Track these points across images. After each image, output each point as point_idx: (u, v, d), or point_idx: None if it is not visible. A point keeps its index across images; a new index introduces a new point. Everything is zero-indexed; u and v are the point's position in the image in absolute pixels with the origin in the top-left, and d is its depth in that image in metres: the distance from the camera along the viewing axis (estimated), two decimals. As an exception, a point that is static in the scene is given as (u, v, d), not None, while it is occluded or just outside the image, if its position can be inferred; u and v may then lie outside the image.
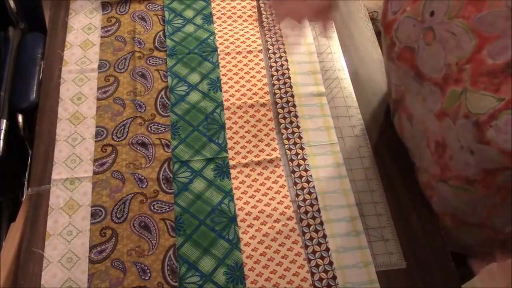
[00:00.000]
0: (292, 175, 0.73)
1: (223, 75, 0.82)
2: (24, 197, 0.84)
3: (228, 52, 0.85)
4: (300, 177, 0.73)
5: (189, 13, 0.89)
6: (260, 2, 0.92)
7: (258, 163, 0.74)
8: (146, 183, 0.71)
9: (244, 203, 0.70)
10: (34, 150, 0.73)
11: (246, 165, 0.74)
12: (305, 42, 0.88)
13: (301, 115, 0.79)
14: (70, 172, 0.71)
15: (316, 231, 0.68)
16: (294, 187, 0.72)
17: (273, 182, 0.72)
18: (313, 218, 0.69)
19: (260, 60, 0.85)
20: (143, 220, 0.68)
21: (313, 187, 0.72)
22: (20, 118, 0.90)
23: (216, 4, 0.91)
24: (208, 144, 0.75)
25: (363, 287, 0.65)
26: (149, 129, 0.75)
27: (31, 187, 0.69)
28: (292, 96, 0.81)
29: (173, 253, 0.65)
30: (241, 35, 0.87)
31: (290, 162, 0.74)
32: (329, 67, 0.86)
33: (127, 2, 0.89)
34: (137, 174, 0.71)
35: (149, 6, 0.89)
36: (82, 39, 0.84)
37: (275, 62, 0.85)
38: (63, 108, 0.77)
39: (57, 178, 0.70)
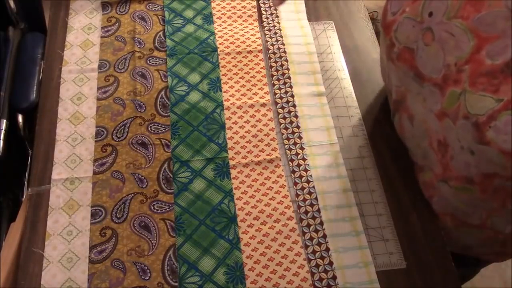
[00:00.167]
0: (292, 175, 0.73)
1: (223, 75, 0.82)
2: (24, 197, 0.84)
3: (228, 52, 0.85)
4: (300, 177, 0.73)
5: (189, 13, 0.89)
6: (260, 2, 0.92)
7: (258, 163, 0.74)
8: (146, 183, 0.71)
9: (244, 203, 0.70)
10: (34, 150, 0.73)
11: (246, 165, 0.74)
12: (305, 42, 0.88)
13: (301, 115, 0.79)
14: (70, 172, 0.71)
15: (316, 231, 0.68)
16: (294, 187, 0.72)
17: (273, 182, 0.72)
18: (313, 218, 0.69)
19: (260, 60, 0.85)
20: (143, 220, 0.68)
21: (313, 187, 0.72)
22: (20, 118, 0.90)
23: (216, 4, 0.91)
24: (208, 144, 0.75)
25: (363, 287, 0.65)
26: (149, 129, 0.75)
27: (31, 187, 0.69)
28: (292, 96, 0.81)
29: (173, 253, 0.65)
30: (241, 35, 0.87)
31: (290, 162, 0.74)
32: (329, 67, 0.86)
33: (127, 2, 0.89)
34: (137, 174, 0.71)
35: (149, 6, 0.89)
36: (82, 39, 0.84)
37: (275, 62, 0.85)
38: (63, 108, 0.77)
39: (57, 178, 0.70)
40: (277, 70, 0.84)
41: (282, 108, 0.80)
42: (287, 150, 0.75)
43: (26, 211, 0.68)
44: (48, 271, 0.63)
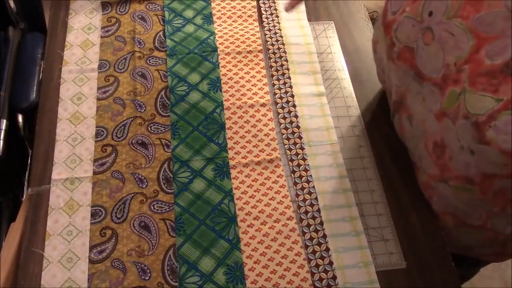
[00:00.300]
0: (292, 175, 0.73)
1: (223, 75, 0.82)
2: (24, 197, 0.84)
3: (228, 52, 0.85)
4: (300, 177, 0.73)
5: (189, 13, 0.89)
6: (260, 2, 0.92)
7: (258, 163, 0.74)
8: (146, 183, 0.71)
9: (244, 203, 0.70)
10: (34, 150, 0.73)
11: (246, 165, 0.74)
12: (305, 42, 0.88)
13: (301, 115, 0.79)
14: (70, 172, 0.71)
15: (316, 231, 0.68)
16: (294, 187, 0.72)
17: (273, 182, 0.72)
18: (313, 218, 0.69)
19: (260, 60, 0.85)
20: (143, 220, 0.68)
21: (313, 187, 0.72)
22: (20, 118, 0.90)
23: (216, 4, 0.91)
24: (208, 144, 0.75)
25: (363, 287, 0.65)
26: (149, 129, 0.75)
27: (31, 187, 0.69)
28: (292, 96, 0.81)
29: (173, 253, 0.65)
30: (241, 35, 0.87)
31: (290, 162, 0.74)
32: (329, 67, 0.86)
33: (127, 2, 0.89)
34: (137, 174, 0.71)
35: (149, 6, 0.89)
36: (82, 39, 0.84)
37: (275, 62, 0.85)
38: (63, 108, 0.77)
39: (57, 178, 0.70)
40: (277, 70, 0.84)
41: (282, 108, 0.80)
42: (287, 150, 0.75)
43: (26, 211, 0.68)
44: (48, 271, 0.63)
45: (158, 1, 0.90)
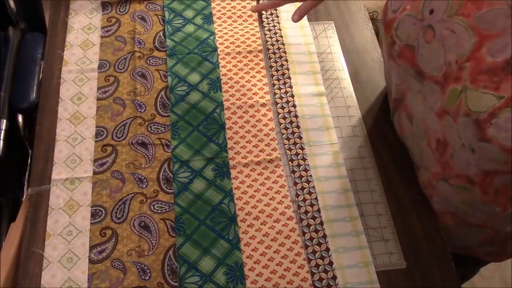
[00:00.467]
0: (292, 175, 0.73)
1: (223, 75, 0.82)
2: (24, 197, 0.84)
3: (228, 52, 0.85)
4: (300, 177, 0.73)
5: (189, 13, 0.89)
6: (260, 2, 0.92)
7: (258, 163, 0.74)
8: (146, 183, 0.71)
9: (244, 203, 0.70)
10: (34, 150, 0.73)
11: (246, 165, 0.74)
12: (305, 42, 0.88)
13: (301, 115, 0.79)
14: (70, 172, 0.71)
15: (316, 231, 0.68)
16: (294, 187, 0.72)
17: (273, 182, 0.72)
18: (313, 218, 0.69)
19: (260, 60, 0.85)
20: (143, 220, 0.68)
21: (313, 187, 0.72)
22: (20, 118, 0.90)
23: (216, 4, 0.91)
24: (208, 144, 0.75)
25: (363, 287, 0.65)
26: (149, 129, 0.75)
27: (31, 187, 0.69)
28: (292, 96, 0.81)
29: (173, 253, 0.65)
30: (241, 35, 0.87)
31: (290, 162, 0.74)
32: (329, 67, 0.86)
33: (127, 2, 0.89)
34: (137, 174, 0.71)
35: (149, 6, 0.89)
36: (82, 39, 0.84)
37: (275, 62, 0.85)
38: (63, 108, 0.77)
39: (57, 178, 0.70)
40: (277, 70, 0.84)
41: (282, 108, 0.80)
42: (287, 150, 0.75)
43: (26, 211, 0.68)
44: (48, 271, 0.63)
45: (158, 1, 0.90)
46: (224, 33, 0.87)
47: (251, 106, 0.79)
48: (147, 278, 0.63)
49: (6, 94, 0.87)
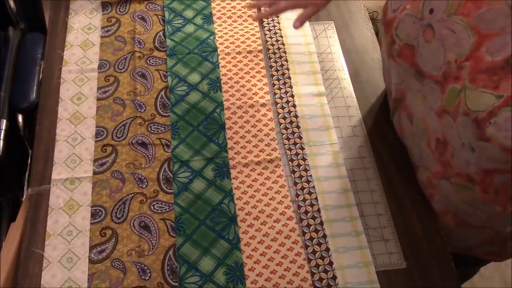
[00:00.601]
0: (292, 175, 0.73)
1: (223, 75, 0.82)
2: (24, 197, 0.84)
3: (228, 52, 0.85)
4: (300, 177, 0.73)
5: (189, 13, 0.89)
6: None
7: (258, 163, 0.74)
8: (146, 183, 0.71)
9: (244, 203, 0.70)
10: (34, 150, 0.73)
11: (246, 165, 0.74)
12: (305, 42, 0.88)
13: (301, 115, 0.79)
14: (70, 172, 0.71)
15: (316, 231, 0.68)
16: (294, 187, 0.72)
17: (273, 182, 0.72)
18: (313, 218, 0.69)
19: (260, 60, 0.85)
20: (143, 220, 0.68)
21: (313, 187, 0.72)
22: (20, 118, 0.90)
23: (216, 4, 0.91)
24: (208, 144, 0.75)
25: (363, 287, 0.65)
26: (149, 129, 0.75)
27: (31, 187, 0.69)
28: (292, 96, 0.81)
29: (173, 253, 0.65)
30: (241, 35, 0.87)
31: (290, 162, 0.74)
32: (329, 67, 0.86)
33: (127, 2, 0.89)
34: (137, 174, 0.71)
35: (149, 6, 0.89)
36: (82, 39, 0.84)
37: (275, 62, 0.85)
38: (63, 108, 0.77)
39: (57, 178, 0.70)
40: (277, 70, 0.84)
41: (282, 108, 0.80)
42: (287, 150, 0.75)
43: (26, 211, 0.68)
44: (48, 271, 0.63)
45: (158, 1, 0.90)
46: (224, 33, 0.87)
47: (251, 106, 0.79)
48: (147, 278, 0.63)
49: (6, 94, 0.87)
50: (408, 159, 0.75)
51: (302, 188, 0.72)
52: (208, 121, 0.77)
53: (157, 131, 0.75)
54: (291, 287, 0.64)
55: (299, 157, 0.75)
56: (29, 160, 0.79)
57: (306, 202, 0.70)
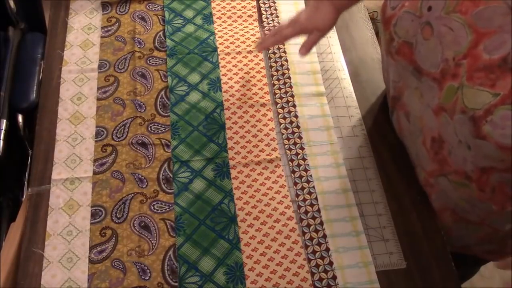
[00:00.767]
0: (292, 175, 0.73)
1: (223, 75, 0.82)
2: (24, 197, 0.84)
3: (228, 52, 0.85)
4: (300, 177, 0.73)
5: (189, 13, 0.89)
6: (260, 2, 0.92)
7: (258, 163, 0.74)
8: (146, 183, 0.71)
9: (244, 203, 0.70)
10: (34, 150, 0.73)
11: (246, 165, 0.74)
12: (305, 42, 0.88)
13: (301, 115, 0.79)
14: (70, 172, 0.71)
15: (316, 231, 0.68)
16: (294, 187, 0.72)
17: (273, 182, 0.72)
18: (313, 218, 0.69)
19: (260, 60, 0.85)
20: (143, 220, 0.68)
21: (313, 187, 0.72)
22: (20, 118, 0.90)
23: (216, 4, 0.91)
24: (208, 144, 0.75)
25: (363, 287, 0.65)
26: (149, 129, 0.75)
27: (31, 187, 0.69)
28: (292, 96, 0.81)
29: (173, 253, 0.65)
30: (241, 35, 0.87)
31: (290, 162, 0.74)
32: (329, 67, 0.86)
33: (127, 2, 0.89)
34: (137, 174, 0.71)
35: (149, 6, 0.89)
36: (82, 39, 0.84)
37: (275, 62, 0.85)
38: (63, 108, 0.77)
39: (57, 178, 0.70)
40: (277, 70, 0.84)
41: (282, 108, 0.80)
42: (287, 150, 0.75)
43: (26, 211, 0.68)
44: (48, 271, 0.63)
45: (158, 1, 0.90)
46: (224, 33, 0.87)
47: (251, 106, 0.79)
48: (147, 278, 0.63)
49: (6, 94, 0.87)
50: (408, 158, 0.75)
51: (302, 188, 0.72)
52: (208, 121, 0.77)
53: (157, 131, 0.75)
54: (291, 287, 0.64)
55: (299, 157, 0.75)
56: (29, 160, 0.79)
57: (306, 202, 0.70)
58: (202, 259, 0.65)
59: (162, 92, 0.79)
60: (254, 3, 0.92)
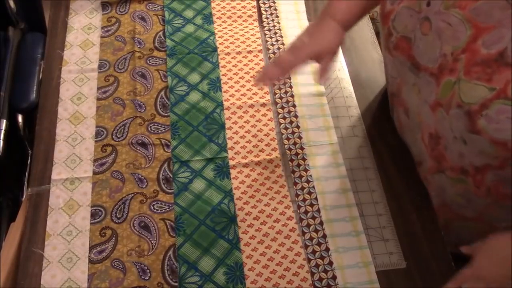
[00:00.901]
0: (292, 175, 0.73)
1: (223, 75, 0.82)
2: (24, 197, 0.84)
3: (228, 52, 0.85)
4: (300, 177, 0.73)
5: (189, 13, 0.89)
6: (260, 2, 0.92)
7: (258, 163, 0.74)
8: (146, 183, 0.71)
9: (244, 203, 0.70)
10: (34, 150, 0.73)
11: (246, 165, 0.74)
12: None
13: (301, 115, 0.79)
14: (70, 172, 0.71)
15: (316, 231, 0.68)
16: (294, 187, 0.72)
17: (273, 182, 0.72)
18: (313, 218, 0.69)
19: (260, 60, 0.85)
20: (143, 220, 0.68)
21: (313, 187, 0.72)
22: (20, 118, 0.90)
23: (216, 4, 0.91)
24: (208, 144, 0.75)
25: (363, 287, 0.65)
26: (149, 129, 0.75)
27: (31, 187, 0.69)
28: (292, 96, 0.81)
29: (173, 253, 0.65)
30: (241, 35, 0.87)
31: (290, 162, 0.74)
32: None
33: (127, 2, 0.89)
34: (137, 174, 0.71)
35: (149, 6, 0.89)
36: (82, 39, 0.84)
37: (275, 62, 0.85)
38: (63, 108, 0.77)
39: (57, 178, 0.70)
40: (277, 70, 0.84)
41: (282, 108, 0.80)
42: (287, 150, 0.75)
43: (26, 211, 0.68)
44: (48, 271, 0.63)
45: (158, 1, 0.90)
46: (224, 33, 0.87)
47: (251, 106, 0.79)
48: (147, 278, 0.63)
49: (6, 94, 0.87)
50: (408, 159, 0.75)
51: (302, 188, 0.72)
52: (208, 121, 0.77)
53: (157, 131, 0.75)
54: (291, 287, 0.64)
55: (299, 157, 0.75)
56: (29, 160, 0.79)
57: (306, 202, 0.70)
58: (202, 259, 0.65)
59: (162, 92, 0.79)
60: (254, 3, 0.92)
